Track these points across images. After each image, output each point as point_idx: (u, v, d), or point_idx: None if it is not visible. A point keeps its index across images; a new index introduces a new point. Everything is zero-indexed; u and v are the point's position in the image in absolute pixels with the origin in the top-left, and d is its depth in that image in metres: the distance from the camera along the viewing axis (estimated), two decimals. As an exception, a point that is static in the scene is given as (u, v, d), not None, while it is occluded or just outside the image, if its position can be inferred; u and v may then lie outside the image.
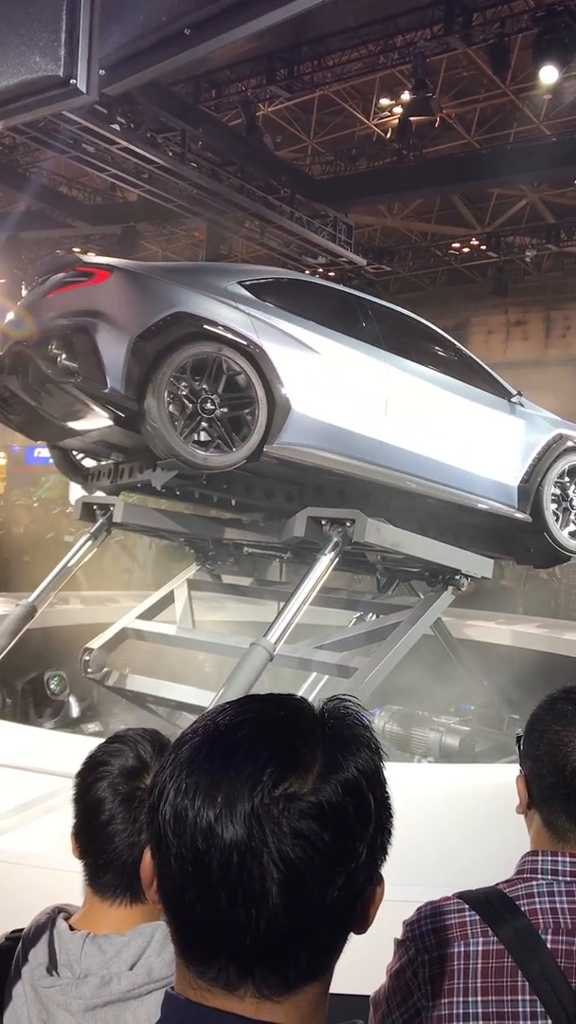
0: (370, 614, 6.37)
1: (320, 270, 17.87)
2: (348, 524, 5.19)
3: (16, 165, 16.53)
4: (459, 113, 15.74)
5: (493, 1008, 1.38)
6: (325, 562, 5.17)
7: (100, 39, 2.29)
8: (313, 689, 6.38)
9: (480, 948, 1.43)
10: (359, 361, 5.66)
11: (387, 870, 0.91)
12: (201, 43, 2.63)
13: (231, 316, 5.14)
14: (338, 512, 5.36)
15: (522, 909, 1.45)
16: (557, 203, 18.46)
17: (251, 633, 5.37)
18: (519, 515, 6.18)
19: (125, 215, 17.78)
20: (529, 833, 1.62)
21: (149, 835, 0.89)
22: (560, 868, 1.49)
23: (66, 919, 1.51)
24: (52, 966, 1.42)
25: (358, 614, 6.59)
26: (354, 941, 0.90)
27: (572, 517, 6.41)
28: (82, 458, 6.40)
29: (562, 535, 6.32)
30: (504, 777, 3.61)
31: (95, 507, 6.28)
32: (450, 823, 3.31)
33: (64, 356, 4.73)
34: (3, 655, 5.75)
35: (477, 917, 1.46)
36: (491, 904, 1.47)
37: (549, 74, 11.19)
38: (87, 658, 5.96)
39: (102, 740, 1.69)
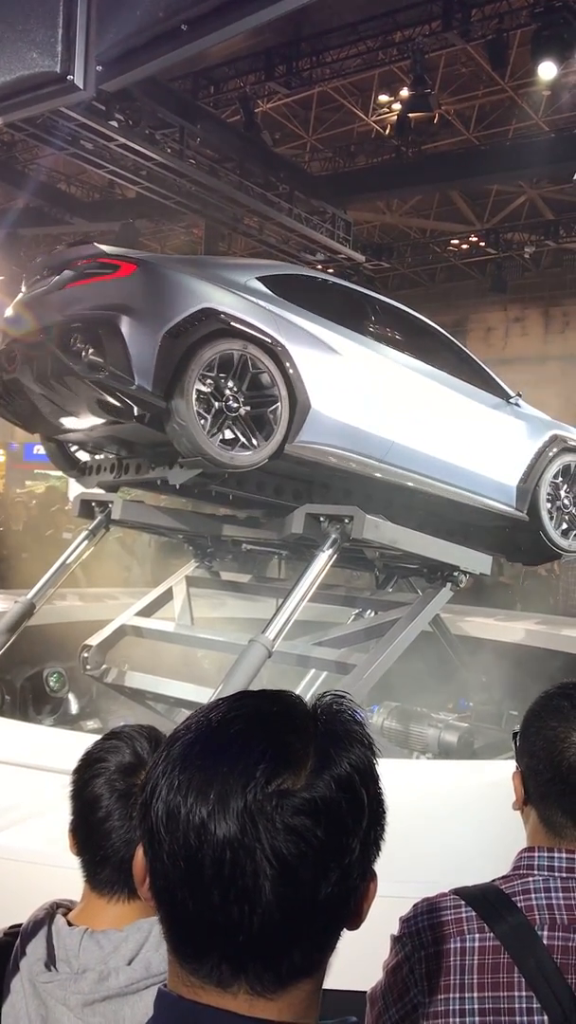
0: (368, 611, 6.37)
1: (319, 267, 17.86)
2: (346, 521, 5.19)
3: (14, 162, 16.52)
4: (458, 109, 15.73)
5: (489, 1004, 1.38)
6: (323, 559, 5.17)
7: (97, 35, 2.29)
8: (312, 686, 6.37)
9: (476, 944, 1.43)
10: (373, 360, 5.69)
11: (383, 867, 0.91)
12: (198, 39, 2.62)
13: (255, 312, 5.09)
14: (337, 509, 5.36)
15: (518, 905, 1.45)
16: (556, 199, 18.44)
17: (249, 630, 5.36)
18: (517, 514, 6.33)
19: (123, 212, 17.75)
20: (525, 829, 1.62)
21: (141, 832, 0.89)
22: (556, 864, 1.50)
23: (64, 915, 1.52)
24: (50, 961, 1.43)
25: (357, 611, 6.59)
26: (350, 937, 0.90)
27: (564, 516, 6.61)
28: (76, 450, 6.31)
29: (556, 533, 6.51)
30: (502, 773, 3.61)
31: (94, 504, 6.27)
32: (448, 820, 3.31)
33: (91, 351, 4.60)
34: (2, 652, 5.76)
35: (473, 913, 1.46)
36: (487, 900, 1.47)
37: (548, 70, 11.20)
38: (86, 655, 5.95)
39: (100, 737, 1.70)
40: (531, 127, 15.53)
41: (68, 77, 2.23)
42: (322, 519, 5.28)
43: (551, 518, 6.48)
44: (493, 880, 1.53)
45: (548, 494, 6.44)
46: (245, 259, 11.48)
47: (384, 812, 0.91)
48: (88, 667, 5.94)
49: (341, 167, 17.39)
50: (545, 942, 1.41)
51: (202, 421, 4.76)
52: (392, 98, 15.00)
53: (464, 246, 20.42)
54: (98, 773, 1.58)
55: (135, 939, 1.44)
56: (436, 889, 1.56)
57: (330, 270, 18.67)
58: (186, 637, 6.06)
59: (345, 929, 0.89)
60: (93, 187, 18.39)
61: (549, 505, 6.46)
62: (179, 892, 0.84)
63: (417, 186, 16.70)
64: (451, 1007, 1.40)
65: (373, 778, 0.90)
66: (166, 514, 6.32)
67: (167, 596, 6.58)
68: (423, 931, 1.48)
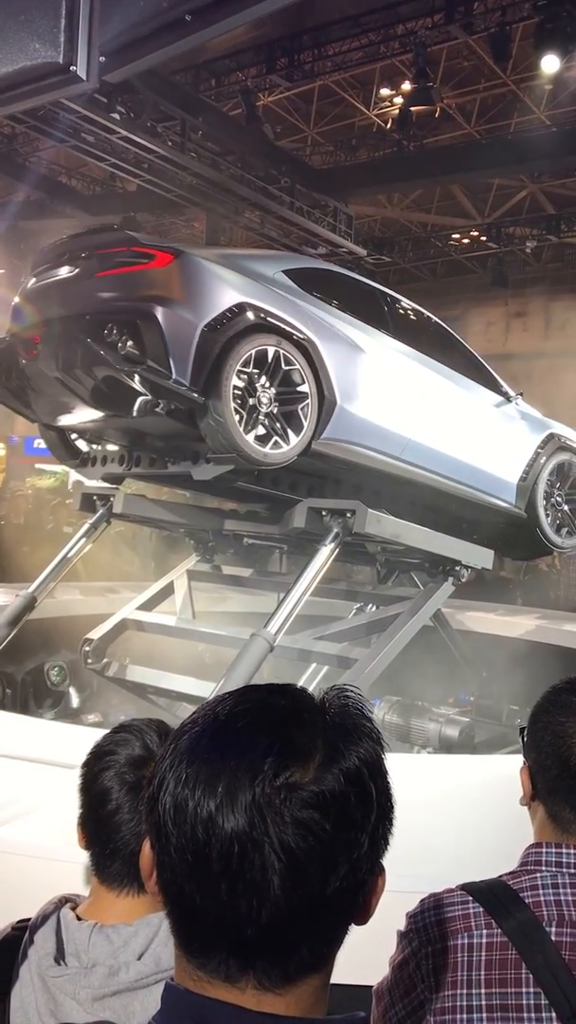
0: (370, 605, 6.38)
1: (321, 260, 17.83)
2: (348, 515, 5.18)
3: (15, 154, 16.50)
4: (460, 103, 15.68)
5: (497, 1000, 1.37)
6: (325, 553, 5.16)
7: (100, 25, 2.28)
8: (313, 680, 6.37)
9: (484, 940, 1.42)
10: (391, 357, 5.70)
11: (390, 862, 0.91)
12: (202, 29, 2.62)
13: (286, 307, 5.02)
14: (339, 503, 5.35)
15: (526, 901, 1.45)
16: (557, 194, 18.41)
17: (251, 624, 5.35)
18: (516, 511, 6.47)
19: (124, 205, 17.73)
20: (533, 825, 1.61)
21: (149, 825, 0.88)
22: (564, 860, 1.49)
23: (72, 909, 1.51)
24: (60, 956, 1.42)
25: (358, 605, 6.60)
26: (356, 932, 0.90)
27: (558, 513, 6.79)
28: (76, 439, 6.18)
29: (550, 530, 6.68)
30: (504, 768, 3.61)
31: (95, 497, 6.25)
32: (450, 814, 3.31)
33: (130, 343, 4.44)
34: (3, 645, 5.75)
35: (481, 909, 1.45)
36: (495, 896, 1.46)
37: (550, 63, 11.19)
38: (87, 649, 5.94)
39: (102, 730, 1.69)
40: (533, 121, 15.48)
41: (71, 68, 2.22)
42: (324, 513, 5.26)
43: (547, 515, 6.63)
44: (500, 876, 1.52)
45: (545, 491, 6.58)
46: (266, 251, 11.41)
47: (392, 806, 0.90)
48: (89, 661, 5.94)
49: (342, 161, 17.35)
50: (553, 938, 1.40)
51: (237, 417, 4.68)
52: (394, 92, 14.95)
53: (465, 240, 20.39)
54: (108, 766, 1.58)
55: (145, 934, 1.44)
56: (442, 885, 1.55)
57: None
58: (187, 631, 6.06)
59: (353, 924, 0.89)
60: (94, 180, 18.35)
61: (545, 502, 6.60)
62: (186, 886, 0.83)
63: (418, 180, 16.65)
64: (458, 1003, 1.39)
65: (382, 772, 0.90)
66: (168, 508, 6.31)
67: (168, 590, 6.57)
68: (430, 927, 1.48)
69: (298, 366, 4.94)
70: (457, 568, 5.86)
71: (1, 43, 2.26)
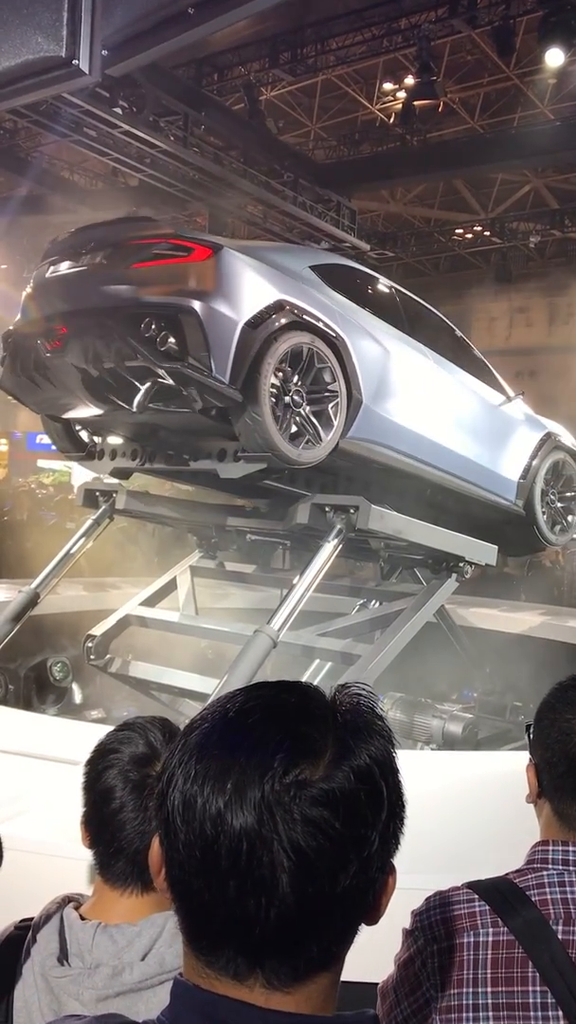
0: (373, 601, 6.37)
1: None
2: (352, 511, 5.16)
3: (17, 149, 16.48)
4: (463, 98, 15.66)
5: (503, 999, 1.36)
6: (329, 549, 5.14)
7: (103, 18, 2.27)
8: (316, 676, 6.37)
9: (490, 938, 1.41)
10: (409, 356, 5.71)
11: (395, 859, 0.90)
12: (205, 22, 2.61)
13: (319, 304, 4.97)
14: (342, 499, 5.33)
15: (532, 899, 1.44)
16: (561, 189, 18.39)
17: (254, 620, 5.35)
18: (516, 508, 6.57)
19: (127, 200, 17.70)
20: (539, 822, 1.60)
21: (158, 822, 0.88)
22: (571, 858, 1.48)
23: (76, 909, 1.50)
24: (63, 956, 1.41)
25: (361, 601, 6.59)
26: (361, 929, 0.89)
27: (552, 510, 6.92)
28: (79, 429, 6.05)
29: (546, 527, 6.82)
30: (508, 764, 3.61)
31: (98, 493, 6.24)
32: (453, 811, 3.30)
33: (172, 339, 4.31)
34: (6, 641, 5.75)
35: (487, 907, 1.45)
36: (501, 894, 1.46)
37: (555, 57, 11.18)
38: (90, 645, 5.94)
39: (105, 727, 1.68)
40: (537, 116, 15.45)
41: (73, 61, 2.21)
42: (327, 509, 5.24)
43: (544, 513, 6.75)
44: (506, 874, 1.51)
45: (542, 489, 6.70)
46: (289, 244, 11.35)
47: (403, 805, 0.90)
48: (92, 657, 5.93)
49: (345, 155, 17.34)
50: (560, 936, 1.39)
51: (277, 417, 4.62)
52: (397, 86, 14.93)
53: (468, 235, 20.37)
54: (111, 764, 1.57)
55: (149, 934, 1.43)
56: (448, 882, 1.54)
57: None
58: (190, 627, 6.05)
59: (363, 924, 0.88)
60: (96, 175, 18.32)
61: (541, 500, 6.73)
62: (195, 883, 0.83)
63: (422, 175, 16.65)
64: (464, 1002, 1.38)
65: (393, 770, 0.89)
66: (171, 504, 6.30)
67: (171, 586, 6.56)
68: (436, 925, 1.47)
69: (329, 364, 4.91)
70: (460, 564, 5.86)
71: (4, 37, 2.25)
